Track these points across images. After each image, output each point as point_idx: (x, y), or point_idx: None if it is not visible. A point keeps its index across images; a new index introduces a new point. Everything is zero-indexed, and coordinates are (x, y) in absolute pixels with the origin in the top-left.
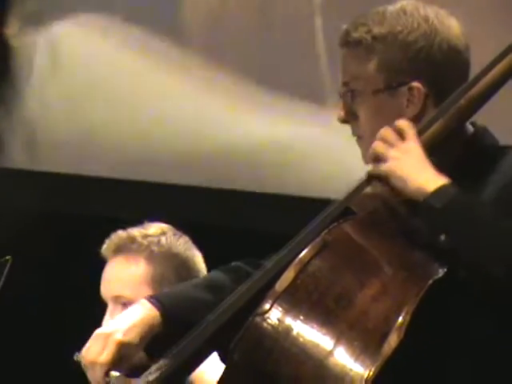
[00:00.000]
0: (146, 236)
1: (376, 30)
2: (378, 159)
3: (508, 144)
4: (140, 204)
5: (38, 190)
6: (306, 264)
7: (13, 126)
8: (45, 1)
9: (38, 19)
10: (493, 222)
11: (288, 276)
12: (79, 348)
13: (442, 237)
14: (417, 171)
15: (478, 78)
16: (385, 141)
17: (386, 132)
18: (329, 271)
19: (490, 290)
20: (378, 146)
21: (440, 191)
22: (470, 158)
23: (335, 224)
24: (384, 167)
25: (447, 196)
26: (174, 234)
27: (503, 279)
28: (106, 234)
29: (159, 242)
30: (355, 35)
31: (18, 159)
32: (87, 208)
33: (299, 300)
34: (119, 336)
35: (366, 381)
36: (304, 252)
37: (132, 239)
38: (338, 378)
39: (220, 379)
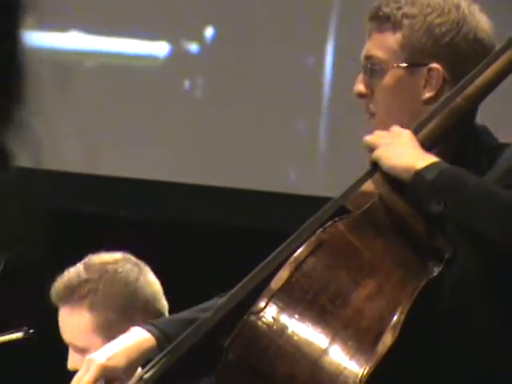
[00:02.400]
0: (85, 283)
1: (406, 9)
2: (371, 149)
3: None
4: (140, 202)
5: (40, 187)
6: (301, 263)
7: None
8: (51, 17)
9: (44, 35)
10: (483, 188)
11: (283, 274)
12: None
13: (435, 207)
14: (404, 152)
15: (473, 77)
16: (377, 133)
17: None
18: (324, 270)
19: (491, 253)
20: (370, 138)
21: (430, 166)
22: (468, 156)
23: (330, 223)
24: (374, 153)
25: (437, 168)
26: (115, 271)
27: (498, 240)
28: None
29: (98, 288)
30: (386, 10)
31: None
32: (86, 206)
33: (294, 299)
34: (102, 360)
35: (361, 379)
36: (299, 251)
37: (72, 289)
38: (332, 376)
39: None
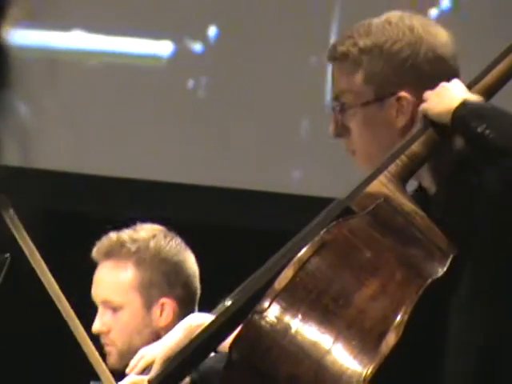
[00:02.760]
0: (135, 241)
1: (362, 43)
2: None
3: None
4: (139, 202)
5: (35, 187)
6: (304, 262)
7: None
8: (54, 16)
9: (36, 27)
10: None
11: (287, 274)
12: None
13: (477, 127)
14: (450, 97)
15: (477, 80)
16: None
17: None
18: (327, 270)
19: None
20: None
21: (469, 100)
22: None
23: (334, 223)
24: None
25: (477, 102)
26: (165, 237)
27: None
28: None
29: (148, 247)
30: (342, 49)
31: (14, 158)
32: (85, 206)
33: (298, 298)
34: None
35: (364, 379)
36: (303, 251)
37: (121, 244)
38: (335, 376)
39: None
